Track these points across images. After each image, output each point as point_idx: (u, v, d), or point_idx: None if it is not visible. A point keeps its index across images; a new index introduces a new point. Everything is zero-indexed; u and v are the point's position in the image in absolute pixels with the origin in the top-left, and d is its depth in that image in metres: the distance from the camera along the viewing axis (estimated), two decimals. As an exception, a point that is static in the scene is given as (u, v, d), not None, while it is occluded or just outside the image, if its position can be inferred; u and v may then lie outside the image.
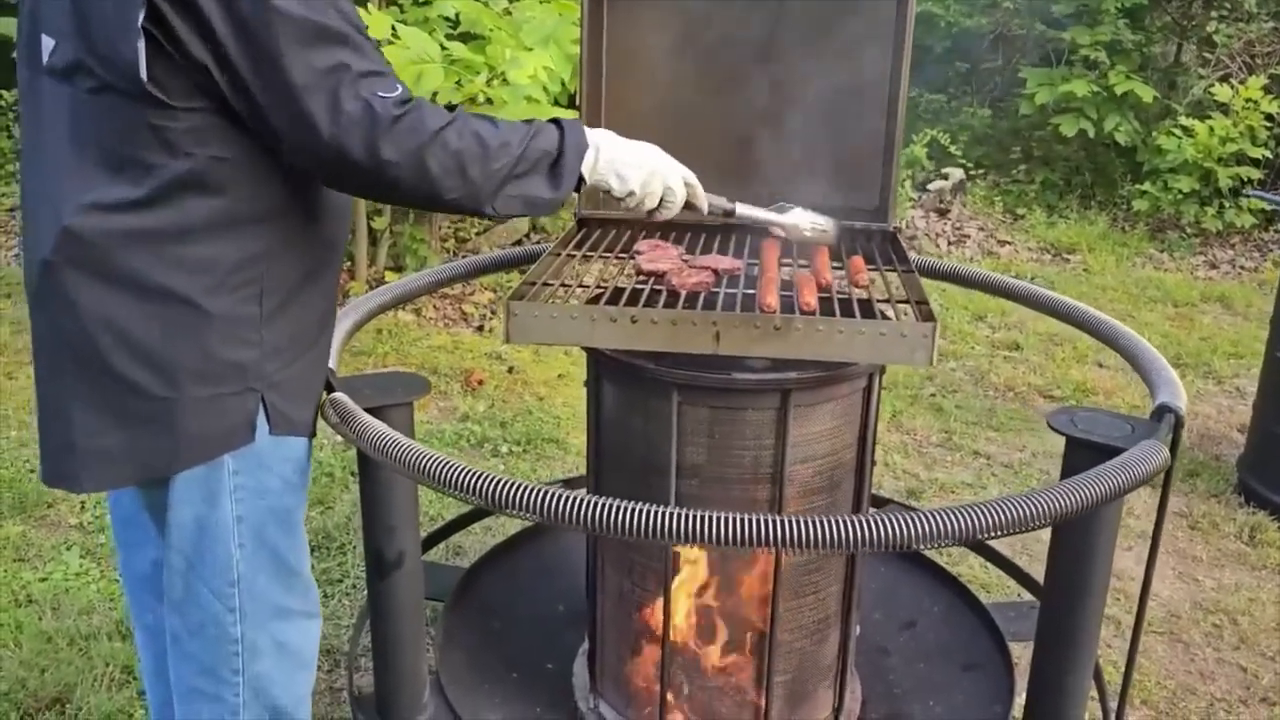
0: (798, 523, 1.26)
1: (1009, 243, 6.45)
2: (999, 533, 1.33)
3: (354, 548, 2.98)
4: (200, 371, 1.37)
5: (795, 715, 1.96)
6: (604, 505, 1.29)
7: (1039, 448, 3.79)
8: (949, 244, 6.39)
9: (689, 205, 1.66)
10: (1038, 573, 2.52)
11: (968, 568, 2.93)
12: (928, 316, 1.62)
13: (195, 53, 1.24)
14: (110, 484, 1.42)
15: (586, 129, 1.53)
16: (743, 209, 1.77)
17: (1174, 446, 1.55)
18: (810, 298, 1.66)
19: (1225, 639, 2.78)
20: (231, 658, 1.52)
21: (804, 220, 1.87)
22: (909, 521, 1.27)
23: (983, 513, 1.29)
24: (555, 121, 1.50)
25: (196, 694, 1.54)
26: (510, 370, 4.36)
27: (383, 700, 1.89)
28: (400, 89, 1.33)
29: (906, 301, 1.76)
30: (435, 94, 3.50)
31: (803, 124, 2.15)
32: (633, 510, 1.28)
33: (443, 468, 1.38)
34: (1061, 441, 1.58)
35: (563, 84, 3.69)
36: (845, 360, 1.64)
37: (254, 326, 1.40)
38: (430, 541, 2.52)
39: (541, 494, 1.31)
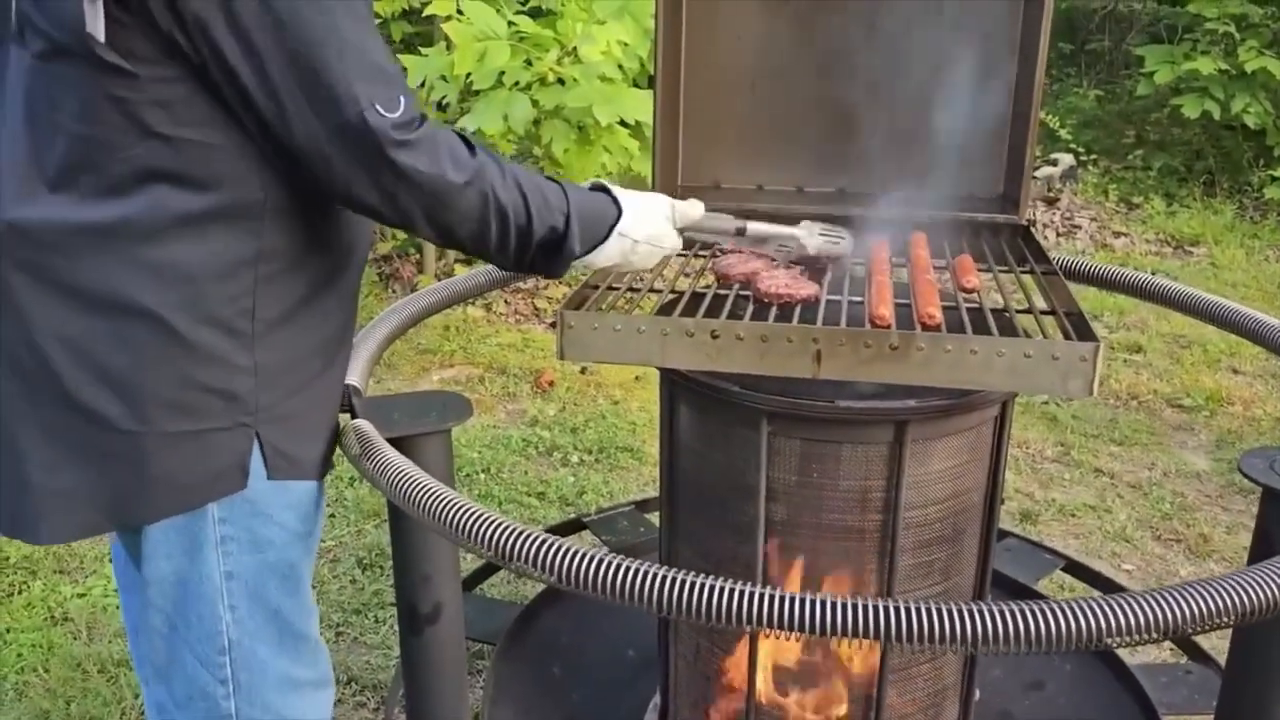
0: (937, 613, 0.95)
1: (1124, 234, 5.96)
2: (1215, 624, 1.00)
3: (409, 568, 2.73)
4: (176, 401, 1.12)
5: (903, 802, 1.64)
6: (673, 580, 1.01)
7: (1169, 465, 3.36)
8: (1058, 235, 5.93)
9: None
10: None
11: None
12: (1085, 334, 1.29)
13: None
14: (73, 533, 1.17)
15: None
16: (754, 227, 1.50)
17: None
18: (933, 309, 1.34)
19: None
20: None
21: (815, 230, 1.53)
22: (1104, 611, 0.95)
23: (1196, 598, 0.97)
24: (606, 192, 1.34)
25: (189, 776, 1.29)
26: (583, 371, 4.09)
27: (419, 769, 1.63)
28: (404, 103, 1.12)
29: (1052, 313, 1.43)
30: (502, 73, 3.23)
31: (915, 93, 1.82)
32: (709, 589, 1.00)
33: (480, 523, 1.11)
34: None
35: (640, 62, 3.40)
36: (979, 388, 1.31)
37: (245, 348, 1.14)
38: (482, 574, 2.25)
39: (604, 566, 1.04)
